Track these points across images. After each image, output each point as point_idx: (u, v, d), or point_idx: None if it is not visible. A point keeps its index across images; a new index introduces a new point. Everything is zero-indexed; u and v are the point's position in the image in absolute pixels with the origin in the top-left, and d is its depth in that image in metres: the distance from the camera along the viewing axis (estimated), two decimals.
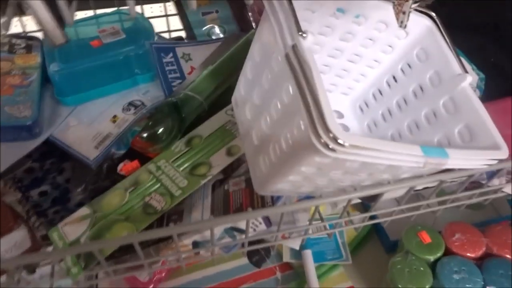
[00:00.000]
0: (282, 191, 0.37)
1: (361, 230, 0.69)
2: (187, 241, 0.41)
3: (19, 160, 0.48)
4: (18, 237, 0.42)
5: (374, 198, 0.44)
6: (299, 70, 0.30)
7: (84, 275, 0.47)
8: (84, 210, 0.42)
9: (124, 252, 0.43)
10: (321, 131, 0.27)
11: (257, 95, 0.36)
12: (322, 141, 0.27)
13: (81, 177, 0.48)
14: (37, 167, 0.51)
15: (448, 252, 0.60)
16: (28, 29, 0.60)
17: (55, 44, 0.50)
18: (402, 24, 0.32)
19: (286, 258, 0.64)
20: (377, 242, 0.69)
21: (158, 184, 0.43)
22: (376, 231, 0.70)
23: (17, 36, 0.55)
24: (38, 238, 0.46)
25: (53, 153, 0.52)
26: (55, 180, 0.50)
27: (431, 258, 0.59)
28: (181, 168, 0.43)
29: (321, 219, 0.45)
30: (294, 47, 0.31)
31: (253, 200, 0.40)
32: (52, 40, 0.50)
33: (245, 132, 0.40)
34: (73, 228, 0.41)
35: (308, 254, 0.62)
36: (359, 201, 0.51)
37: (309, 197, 0.46)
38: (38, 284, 0.45)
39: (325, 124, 0.27)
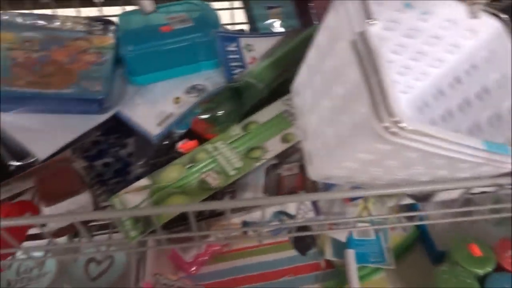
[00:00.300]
0: (335, 178, 0.38)
1: (407, 237, 0.67)
2: (237, 220, 0.43)
3: (87, 132, 0.52)
4: (83, 201, 0.46)
5: (427, 197, 0.43)
6: (365, 56, 0.30)
7: (138, 241, 0.50)
8: (144, 181, 0.45)
9: (178, 225, 0.45)
10: (383, 114, 0.28)
11: (319, 81, 0.37)
12: (384, 124, 0.28)
13: (142, 152, 0.51)
14: (102, 140, 0.55)
15: (499, 268, 0.58)
16: (104, 13, 0.65)
17: (146, 12, 0.54)
18: (473, 15, 0.32)
19: (329, 255, 0.64)
20: (422, 251, 0.67)
21: (214, 163, 0.44)
22: (423, 240, 0.68)
23: (95, 19, 0.59)
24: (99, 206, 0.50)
25: (118, 129, 0.55)
26: (118, 154, 0.54)
27: (481, 272, 0.57)
28: (237, 150, 0.45)
29: (369, 214, 0.45)
30: (362, 34, 0.31)
31: (305, 185, 0.41)
32: (144, 8, 0.54)
33: (303, 118, 0.41)
34: (133, 196, 0.44)
35: (351, 253, 0.62)
36: (410, 201, 0.50)
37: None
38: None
39: (389, 107, 0.28)
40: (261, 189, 0.42)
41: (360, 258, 0.63)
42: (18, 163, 0.49)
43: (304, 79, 0.41)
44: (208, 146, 0.46)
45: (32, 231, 0.47)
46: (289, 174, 0.42)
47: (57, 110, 0.51)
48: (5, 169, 0.48)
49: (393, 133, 0.28)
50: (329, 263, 0.65)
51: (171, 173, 0.45)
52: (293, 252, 0.67)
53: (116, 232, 0.45)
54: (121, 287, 0.57)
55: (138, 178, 0.48)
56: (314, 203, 0.42)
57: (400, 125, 0.27)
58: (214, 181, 0.42)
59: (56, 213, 0.39)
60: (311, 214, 0.42)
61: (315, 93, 0.38)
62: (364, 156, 0.33)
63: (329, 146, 0.35)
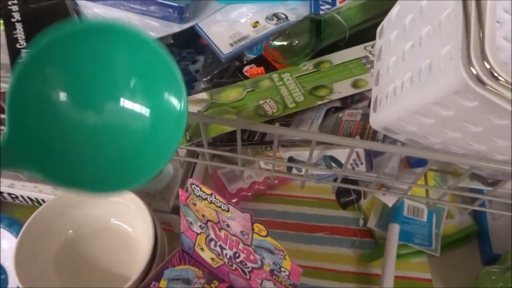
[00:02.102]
0: (399, 132, 0.34)
1: (462, 230, 0.62)
2: (284, 154, 0.41)
3: (163, 38, 0.52)
4: None
5: (496, 183, 0.39)
6: None
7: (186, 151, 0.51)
8: (203, 95, 0.45)
9: (225, 145, 0.45)
10: (474, 59, 0.24)
11: (408, 20, 0.33)
12: (473, 70, 0.24)
13: (209, 69, 0.51)
14: (176, 52, 0.55)
15: None
16: None
17: None
18: None
19: (372, 224, 0.61)
20: (475, 249, 0.62)
21: (276, 93, 0.43)
22: (479, 238, 0.62)
23: None
24: None
25: (192, 44, 0.55)
26: (187, 68, 0.54)
27: None
28: (302, 86, 0.43)
29: (426, 183, 0.42)
30: None
31: (364, 134, 0.38)
32: None
33: (380, 61, 0.37)
34: (191, 106, 0.44)
35: (395, 228, 0.58)
36: (473, 186, 0.45)
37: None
38: None
39: (485, 50, 0.23)
40: (317, 127, 0.40)
41: (404, 236, 0.59)
42: None
43: (393, 18, 0.37)
44: (274, 75, 0.45)
45: None
46: (349, 119, 0.40)
47: (139, 10, 0.51)
48: None
49: (482, 82, 0.24)
50: (368, 232, 0.63)
51: (231, 93, 0.44)
52: (334, 212, 0.65)
53: None
54: (162, 197, 0.59)
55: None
56: (368, 157, 0.39)
57: (495, 73, 0.23)
58: (271, 109, 0.41)
59: None
60: (362, 168, 0.40)
61: (401, 33, 0.34)
62: (439, 110, 0.29)
63: (402, 92, 0.31)
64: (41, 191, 0.59)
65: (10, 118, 0.28)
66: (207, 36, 0.50)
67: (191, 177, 0.62)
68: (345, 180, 0.41)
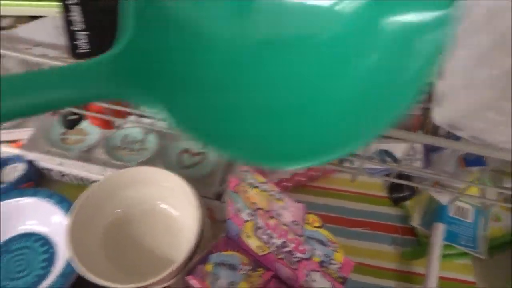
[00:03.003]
0: (466, 128, 0.33)
1: (510, 233, 0.60)
2: None
3: None
4: None
5: None
6: None
7: None
8: None
9: None
10: None
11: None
12: None
13: None
14: None
15: None
16: None
17: None
18: None
19: (415, 222, 0.60)
20: None
21: None
22: None
23: None
24: None
25: None
26: None
27: None
28: None
29: (482, 189, 0.40)
30: None
31: (424, 128, 0.37)
32: None
33: (447, 53, 0.36)
34: None
35: (440, 228, 0.57)
36: None
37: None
38: None
39: None
40: None
41: (449, 237, 0.58)
42: None
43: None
44: None
45: None
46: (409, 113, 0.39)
47: None
48: None
49: None
50: (409, 230, 0.62)
51: None
52: (375, 208, 0.64)
53: None
54: (205, 183, 0.60)
55: None
56: (426, 153, 0.38)
57: None
58: None
59: None
60: (417, 164, 0.39)
61: (475, 25, 0.33)
62: None
63: (474, 87, 0.30)
64: (89, 170, 0.61)
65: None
66: None
67: (234, 165, 0.62)
68: (399, 175, 0.40)
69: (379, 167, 0.40)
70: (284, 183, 0.65)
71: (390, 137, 0.37)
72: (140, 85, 0.19)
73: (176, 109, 0.19)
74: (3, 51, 0.41)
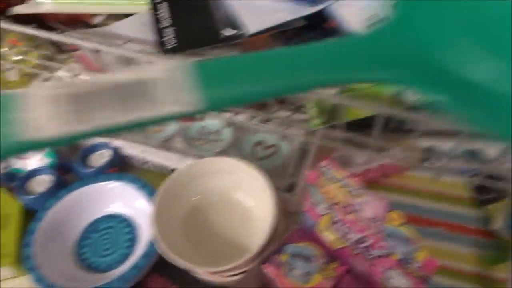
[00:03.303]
0: None
1: None
2: (422, 143, 0.40)
3: (293, 20, 0.53)
4: None
5: None
6: None
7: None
8: None
9: (358, 130, 0.44)
10: None
11: None
12: None
13: None
14: (303, 33, 0.56)
15: None
16: None
17: None
18: None
19: (496, 225, 0.57)
20: None
21: None
22: None
23: None
24: None
25: (320, 26, 0.55)
26: None
27: None
28: None
29: None
30: None
31: None
32: None
33: None
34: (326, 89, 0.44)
35: None
36: None
37: None
38: None
39: None
40: None
41: None
42: (228, 33, 0.53)
43: None
44: None
45: None
46: None
47: None
48: (215, 36, 0.53)
49: None
50: (489, 233, 0.59)
51: None
52: (452, 208, 0.62)
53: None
54: (277, 175, 0.61)
55: None
56: None
57: None
58: (412, 95, 0.39)
59: None
60: (509, 165, 0.37)
61: None
62: None
63: None
64: (169, 159, 0.65)
65: None
66: (338, 18, 0.50)
67: (305, 158, 0.63)
68: (488, 176, 0.39)
69: (464, 167, 0.39)
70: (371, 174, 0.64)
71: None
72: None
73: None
74: (101, 47, 0.45)
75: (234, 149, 0.64)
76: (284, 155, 0.62)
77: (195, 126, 0.67)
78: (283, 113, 0.45)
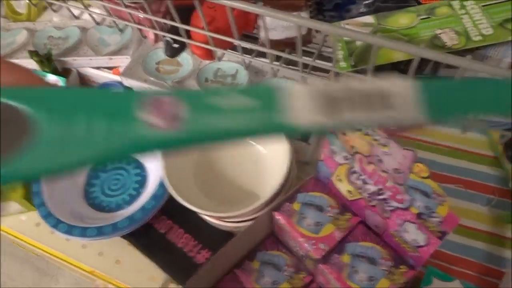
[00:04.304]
0: None
1: None
2: None
3: None
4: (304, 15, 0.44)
5: None
6: None
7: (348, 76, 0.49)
8: (368, 19, 0.41)
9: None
10: None
11: None
12: None
13: None
14: None
15: None
16: None
17: None
18: None
19: None
20: None
21: (457, 22, 0.38)
22: None
23: None
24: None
25: None
26: None
27: None
28: (491, 16, 0.37)
29: None
30: None
31: None
32: None
33: None
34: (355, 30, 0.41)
35: None
36: None
37: None
38: None
39: None
40: (507, 67, 0.35)
41: None
42: None
43: None
44: (454, 2, 0.39)
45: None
46: None
47: None
48: None
49: None
50: (507, 192, 0.57)
51: (401, 19, 0.40)
52: (470, 165, 0.60)
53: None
54: None
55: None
56: None
57: None
58: (451, 40, 0.36)
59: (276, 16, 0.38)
60: None
61: None
62: None
63: None
64: None
65: None
66: None
67: None
68: None
69: (499, 119, 0.36)
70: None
71: None
72: None
73: None
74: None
75: None
76: None
77: (211, 68, 0.64)
78: (306, 58, 0.41)
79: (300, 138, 0.58)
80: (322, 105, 0.17)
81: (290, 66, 0.46)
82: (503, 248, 0.54)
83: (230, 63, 0.62)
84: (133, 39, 0.68)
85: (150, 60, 0.65)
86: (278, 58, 0.49)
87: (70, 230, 0.53)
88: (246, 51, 0.51)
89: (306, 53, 0.54)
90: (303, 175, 0.58)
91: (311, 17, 0.49)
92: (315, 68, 0.44)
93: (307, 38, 0.43)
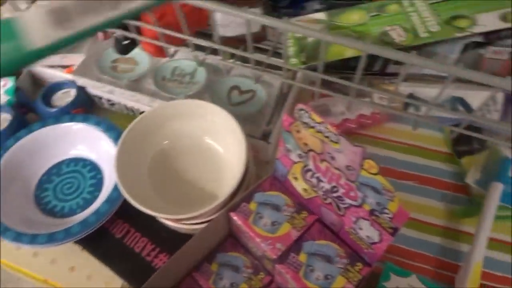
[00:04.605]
0: None
1: None
2: (404, 89, 0.37)
3: None
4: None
5: None
6: None
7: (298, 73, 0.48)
8: (320, 15, 0.41)
9: (339, 72, 0.41)
10: None
11: None
12: None
13: None
14: None
15: None
16: None
17: None
18: None
19: (470, 179, 0.56)
20: None
21: (405, 20, 0.38)
22: None
23: None
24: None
25: None
26: None
27: None
28: (438, 14, 0.38)
29: None
30: None
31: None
32: None
33: None
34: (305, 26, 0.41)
35: (498, 188, 0.54)
36: None
37: None
38: None
39: None
40: (452, 63, 0.35)
41: (506, 198, 0.54)
42: None
43: None
44: (404, 0, 0.40)
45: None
46: (494, 57, 0.34)
47: None
48: None
49: None
50: (461, 187, 0.58)
51: (352, 16, 0.40)
52: (426, 161, 0.61)
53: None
54: (252, 122, 0.58)
55: None
56: (507, 104, 0.34)
57: None
58: (399, 37, 0.36)
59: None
60: (495, 116, 0.35)
61: None
62: None
63: None
64: (138, 100, 0.61)
65: None
66: None
67: (283, 106, 0.60)
68: (468, 127, 0.37)
69: (449, 115, 0.37)
70: (347, 124, 0.62)
71: (466, 85, 0.33)
72: None
73: None
74: None
75: (208, 92, 0.61)
76: (260, 101, 0.59)
77: (168, 66, 0.63)
78: (260, 56, 0.41)
79: (260, 137, 0.58)
80: (55, 21, 0.18)
81: (245, 64, 0.45)
82: (458, 242, 0.55)
83: (187, 61, 0.61)
84: None
85: (105, 58, 0.63)
86: (234, 56, 0.48)
87: (18, 237, 0.50)
88: (202, 48, 0.50)
89: (263, 51, 0.54)
90: (264, 174, 0.58)
91: (265, 14, 0.48)
92: (270, 65, 0.43)
93: (261, 34, 0.42)
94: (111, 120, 0.60)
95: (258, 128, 0.57)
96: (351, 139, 0.62)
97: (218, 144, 0.53)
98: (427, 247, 0.54)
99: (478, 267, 0.50)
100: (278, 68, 0.47)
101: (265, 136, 0.58)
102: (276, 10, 0.48)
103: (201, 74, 0.61)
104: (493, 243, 0.53)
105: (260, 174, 0.57)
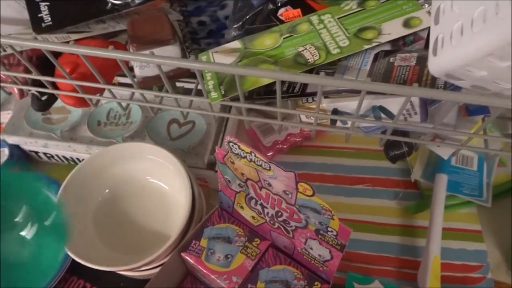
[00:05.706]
0: (466, 77, 0.30)
1: None
2: (328, 106, 0.38)
3: None
4: (173, 52, 0.43)
5: None
6: None
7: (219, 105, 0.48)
8: (236, 44, 0.41)
9: (262, 98, 0.41)
10: None
11: None
12: None
13: (240, 15, 0.46)
14: None
15: None
16: None
17: None
18: None
19: (416, 175, 0.58)
20: None
21: (316, 38, 0.38)
22: None
23: None
24: None
25: None
26: (215, 14, 0.50)
27: None
28: (346, 28, 0.38)
29: (484, 132, 0.38)
30: None
31: (421, 80, 0.34)
32: None
33: None
34: (222, 57, 0.40)
35: (443, 178, 0.55)
36: None
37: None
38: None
39: None
40: (365, 75, 0.36)
41: (452, 187, 0.56)
42: (115, 1, 0.47)
43: None
44: (313, 18, 0.40)
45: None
46: (403, 64, 0.35)
47: None
48: (103, 6, 0.47)
49: None
50: (412, 183, 0.59)
51: (266, 40, 0.40)
52: (375, 163, 0.62)
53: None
54: (196, 153, 0.57)
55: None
56: (423, 106, 0.35)
57: None
58: (312, 56, 0.37)
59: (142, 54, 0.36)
60: (415, 119, 0.36)
61: None
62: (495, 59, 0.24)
63: (472, 31, 0.27)
64: (75, 150, 0.59)
65: None
66: None
67: (224, 132, 0.60)
68: (395, 132, 0.38)
69: (373, 125, 0.37)
70: (279, 145, 0.62)
71: (384, 94, 0.34)
72: None
73: None
74: None
75: (147, 130, 0.59)
76: (201, 131, 0.59)
77: (102, 110, 0.61)
78: (181, 96, 0.40)
79: (207, 167, 0.57)
80: None
81: (169, 106, 0.44)
82: (416, 238, 0.56)
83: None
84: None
85: (34, 112, 0.61)
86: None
87: None
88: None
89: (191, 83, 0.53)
90: (217, 203, 0.57)
91: (187, 47, 0.48)
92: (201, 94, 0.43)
93: (179, 72, 0.42)
94: (52, 172, 0.57)
95: (202, 158, 0.57)
96: (300, 151, 0.63)
97: (162, 183, 0.52)
98: (387, 249, 0.55)
99: (437, 260, 0.50)
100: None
101: (212, 165, 0.57)
102: (196, 42, 0.48)
103: (137, 113, 0.60)
104: (448, 233, 0.54)
105: (213, 203, 0.56)
